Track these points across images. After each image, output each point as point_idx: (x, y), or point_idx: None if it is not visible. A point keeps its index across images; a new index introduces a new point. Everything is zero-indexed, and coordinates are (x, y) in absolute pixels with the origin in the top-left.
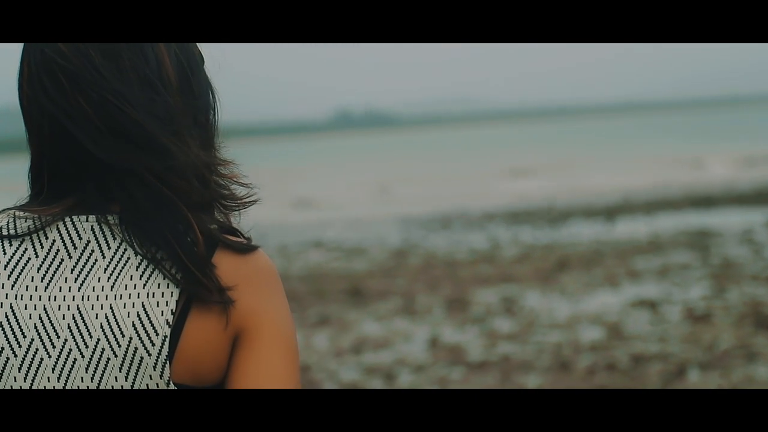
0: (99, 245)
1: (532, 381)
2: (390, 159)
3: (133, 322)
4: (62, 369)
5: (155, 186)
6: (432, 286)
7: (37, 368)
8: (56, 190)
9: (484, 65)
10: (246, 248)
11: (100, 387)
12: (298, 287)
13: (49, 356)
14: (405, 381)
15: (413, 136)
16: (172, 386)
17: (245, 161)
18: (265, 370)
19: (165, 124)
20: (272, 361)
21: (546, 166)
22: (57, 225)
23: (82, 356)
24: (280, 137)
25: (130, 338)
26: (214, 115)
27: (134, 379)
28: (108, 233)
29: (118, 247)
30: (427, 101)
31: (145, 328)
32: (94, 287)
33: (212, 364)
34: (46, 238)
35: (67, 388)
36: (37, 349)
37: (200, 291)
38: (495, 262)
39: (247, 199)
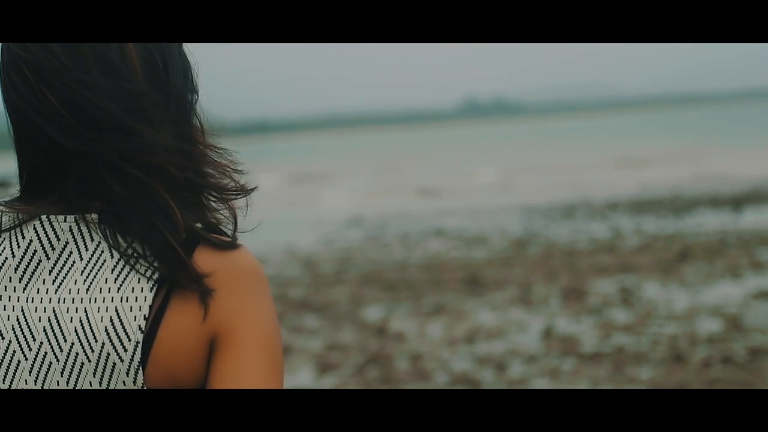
0: (77, 246)
1: (644, 373)
2: (516, 147)
3: (105, 327)
4: (38, 372)
5: (126, 169)
6: (550, 275)
7: (15, 370)
8: (37, 187)
9: (613, 52)
10: (227, 246)
11: None
12: (416, 276)
13: (26, 359)
14: (516, 371)
15: (541, 125)
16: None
17: (373, 150)
18: (242, 376)
19: (129, 107)
20: (250, 366)
21: (673, 154)
22: (34, 224)
23: (57, 360)
24: (409, 126)
25: (103, 344)
26: (193, 103)
27: (108, 384)
28: (86, 233)
29: (96, 248)
30: (556, 89)
31: (117, 334)
32: (70, 290)
33: (187, 370)
34: (23, 237)
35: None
36: (14, 351)
37: (180, 277)
38: (615, 252)
39: (238, 189)
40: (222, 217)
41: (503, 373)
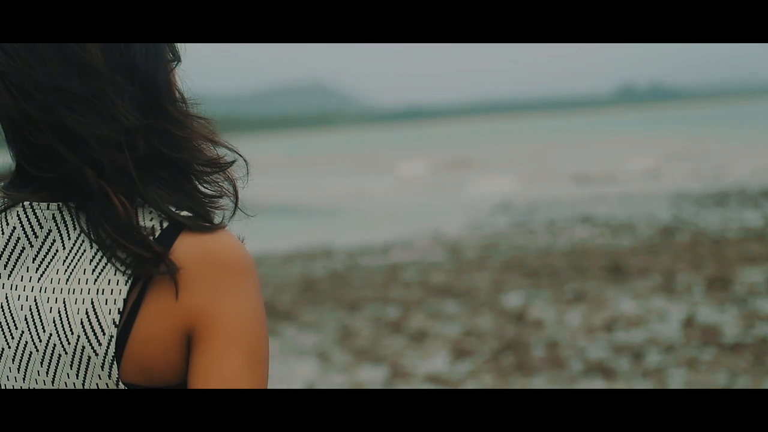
0: (60, 235)
1: None
2: (672, 134)
3: (81, 320)
4: (20, 361)
5: (70, 161)
6: (695, 264)
7: (0, 357)
8: (24, 174)
9: None
10: (208, 235)
11: (54, 382)
12: (559, 263)
13: (9, 347)
14: (653, 361)
15: (700, 110)
16: (121, 386)
17: (526, 136)
18: (216, 374)
19: (76, 103)
20: (228, 363)
21: None
22: (17, 210)
23: (37, 350)
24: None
25: (78, 336)
26: (166, 77)
27: (84, 377)
28: (69, 222)
29: (77, 238)
30: (714, 74)
31: (92, 327)
32: (51, 279)
33: (164, 365)
34: (7, 223)
35: (25, 380)
36: None
37: (145, 270)
38: (766, 241)
39: (222, 161)
40: (218, 201)
41: (640, 362)
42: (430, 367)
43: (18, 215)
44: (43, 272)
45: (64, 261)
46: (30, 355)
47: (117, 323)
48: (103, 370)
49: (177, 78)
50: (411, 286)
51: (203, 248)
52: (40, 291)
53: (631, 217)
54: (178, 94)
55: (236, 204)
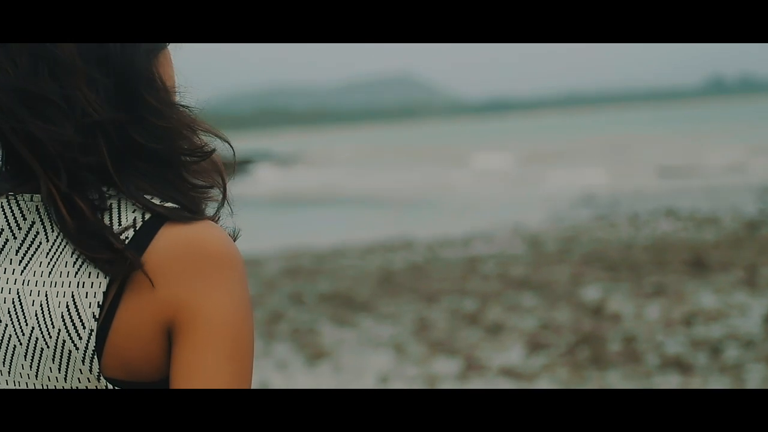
0: (44, 227)
1: None
2: (760, 127)
3: (62, 313)
4: (5, 354)
5: (37, 168)
6: None
7: None
8: (10, 167)
9: None
10: (189, 227)
11: (38, 376)
12: (640, 256)
13: None
14: (731, 356)
15: None
16: (102, 381)
17: (612, 128)
18: (199, 367)
19: (36, 104)
20: (209, 357)
21: None
22: (1, 202)
23: (20, 343)
24: (651, 104)
25: (59, 330)
26: (146, 65)
27: (66, 372)
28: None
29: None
30: None
31: (72, 321)
32: (35, 272)
33: (144, 360)
34: None
35: (11, 373)
36: None
37: (103, 264)
38: None
39: (205, 150)
40: (208, 191)
41: (718, 357)
42: (505, 360)
43: (2, 207)
44: (27, 265)
45: (47, 253)
46: (14, 349)
47: (97, 317)
48: (84, 364)
49: (162, 66)
50: (489, 279)
51: (184, 240)
52: (23, 284)
53: (716, 211)
54: (159, 83)
55: (224, 194)
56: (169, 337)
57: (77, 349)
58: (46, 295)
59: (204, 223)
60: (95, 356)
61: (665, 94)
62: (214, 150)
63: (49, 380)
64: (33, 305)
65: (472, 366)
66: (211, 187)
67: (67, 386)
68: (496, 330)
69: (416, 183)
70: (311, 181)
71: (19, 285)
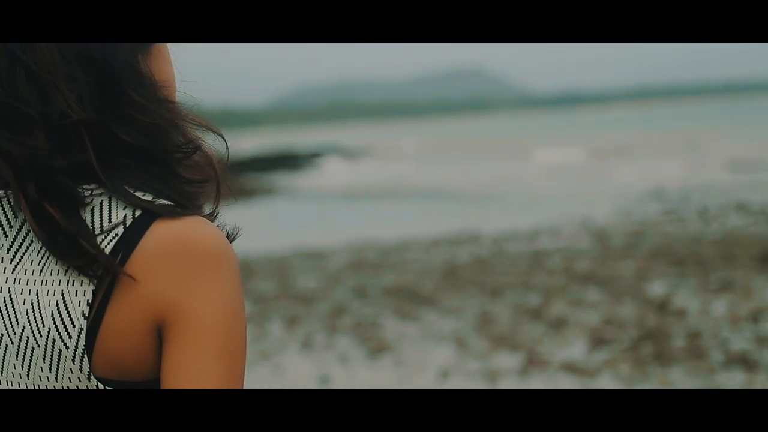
0: None
1: None
2: None
3: (52, 311)
4: None
5: (10, 177)
6: None
7: None
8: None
9: None
10: (180, 219)
11: (30, 375)
12: (708, 251)
13: None
14: None
15: None
16: (93, 380)
17: (687, 121)
18: (189, 367)
19: (19, 99)
20: (199, 356)
21: None
22: None
23: (12, 343)
24: (724, 97)
25: (49, 329)
26: (122, 61)
27: (57, 371)
28: None
29: None
30: None
31: (62, 320)
32: (26, 270)
33: (135, 360)
34: None
35: (4, 373)
36: None
37: (77, 268)
38: None
39: (192, 145)
40: (203, 186)
41: None
42: (567, 355)
43: None
44: (18, 264)
45: (38, 252)
46: (6, 348)
47: (86, 315)
48: (74, 363)
49: (153, 61)
50: (554, 273)
51: (174, 237)
52: (14, 282)
53: None
54: (147, 79)
55: (218, 188)
56: (159, 336)
57: (67, 348)
58: (37, 294)
59: (195, 219)
60: (85, 355)
61: (739, 86)
62: (200, 146)
63: (41, 380)
64: (24, 304)
65: (533, 361)
66: (206, 181)
67: (58, 386)
68: (558, 325)
69: (484, 176)
70: (379, 175)
71: (10, 284)
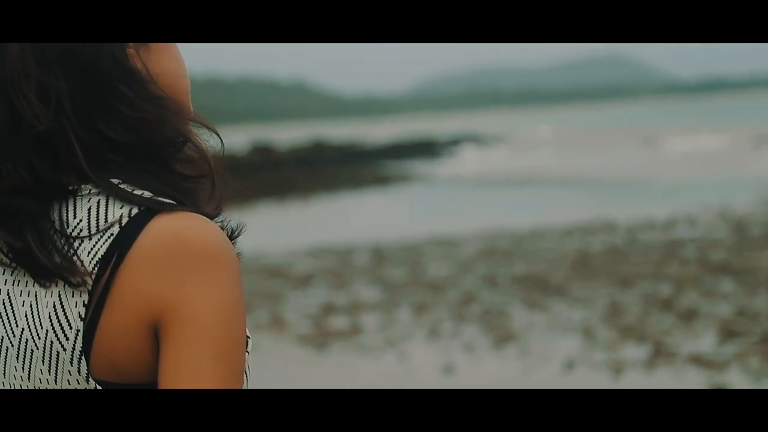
0: None
1: None
2: None
3: (49, 314)
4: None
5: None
6: None
7: None
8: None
9: None
10: (176, 216)
11: (30, 378)
12: None
13: None
14: None
15: None
16: (91, 382)
17: None
18: (186, 367)
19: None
20: (196, 356)
21: None
22: None
23: (12, 345)
24: None
25: (47, 331)
26: (108, 57)
27: (56, 373)
28: None
29: (49, 229)
30: None
31: (59, 322)
32: (24, 272)
33: (132, 361)
34: None
35: (6, 375)
36: None
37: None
38: None
39: (181, 139)
40: (199, 181)
41: None
42: (695, 348)
43: None
44: (17, 266)
45: None
46: (7, 350)
47: (83, 317)
48: (72, 365)
49: (145, 55)
50: (688, 263)
51: (170, 236)
52: (13, 284)
53: None
54: (135, 74)
55: (213, 183)
56: (157, 337)
57: (65, 350)
58: (36, 296)
59: (192, 217)
60: (83, 357)
61: None
62: (189, 139)
63: (40, 382)
64: (23, 306)
65: (660, 353)
66: (202, 176)
67: (57, 388)
68: (689, 316)
69: (621, 164)
70: (515, 162)
71: (9, 286)
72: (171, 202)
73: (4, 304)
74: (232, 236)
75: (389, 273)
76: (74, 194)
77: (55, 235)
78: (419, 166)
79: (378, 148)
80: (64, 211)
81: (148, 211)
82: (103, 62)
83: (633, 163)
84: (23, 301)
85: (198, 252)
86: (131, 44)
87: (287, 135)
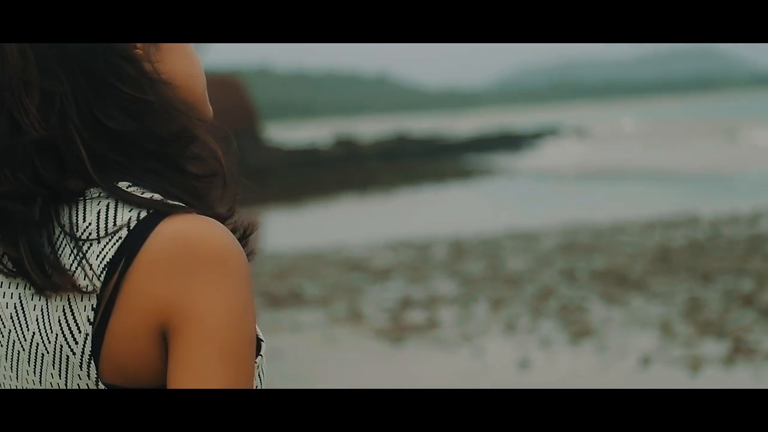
0: None
1: None
2: None
3: (59, 317)
4: (11, 360)
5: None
6: None
7: None
8: None
9: None
10: (185, 218)
11: (41, 382)
12: None
13: (1, 345)
14: None
15: None
16: (101, 385)
17: None
18: (190, 375)
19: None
20: (199, 363)
21: None
22: None
23: (23, 349)
24: None
25: (57, 335)
26: (107, 56)
27: (66, 377)
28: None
29: (59, 233)
30: None
31: (69, 325)
32: None
33: (140, 365)
34: None
35: (18, 379)
36: None
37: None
38: None
39: (183, 136)
40: (210, 180)
41: None
42: None
43: None
44: None
45: None
46: (18, 354)
47: (92, 320)
48: (81, 369)
49: (148, 53)
50: None
51: (178, 238)
52: (25, 288)
53: None
54: (138, 70)
55: (224, 183)
56: (164, 340)
57: (74, 353)
58: (46, 300)
59: (201, 219)
60: (92, 361)
61: None
62: (195, 137)
63: (51, 385)
64: (34, 310)
65: (739, 349)
66: (212, 175)
67: None
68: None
69: (706, 157)
70: (598, 155)
71: (21, 290)
72: (180, 204)
73: (15, 308)
74: (245, 236)
75: (467, 267)
76: (84, 198)
77: (63, 240)
78: (502, 160)
79: (461, 142)
80: (74, 214)
81: (156, 214)
82: (105, 61)
83: (717, 156)
84: (35, 305)
85: (206, 255)
86: (140, 44)
87: (370, 128)
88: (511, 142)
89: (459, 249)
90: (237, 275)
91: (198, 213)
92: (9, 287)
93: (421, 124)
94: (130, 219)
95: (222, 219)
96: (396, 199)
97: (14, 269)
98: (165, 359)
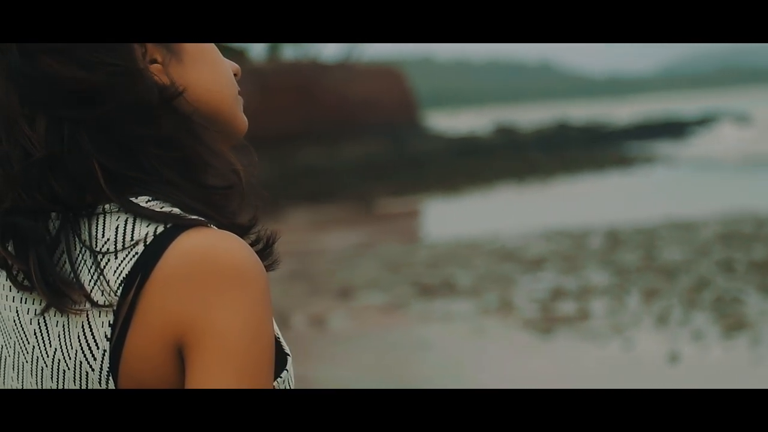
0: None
1: None
2: None
3: (78, 333)
4: (36, 375)
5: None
6: None
7: (21, 371)
8: None
9: None
10: (202, 231)
11: None
12: None
13: (27, 361)
14: None
15: None
16: None
17: None
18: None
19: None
20: (216, 382)
21: None
22: None
23: (46, 365)
24: None
25: (76, 351)
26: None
27: None
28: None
29: (80, 248)
30: None
31: (87, 342)
32: None
33: (156, 380)
34: None
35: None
36: (18, 353)
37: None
38: None
39: (184, 143)
40: (228, 192)
41: None
42: None
43: None
44: None
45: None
46: (42, 371)
47: (109, 337)
48: (100, 385)
49: (167, 66)
50: None
51: (195, 254)
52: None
53: None
54: (158, 86)
55: (241, 194)
56: (180, 357)
57: (93, 370)
58: (67, 316)
59: (219, 234)
60: (110, 377)
61: None
62: (212, 150)
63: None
64: (57, 326)
65: None
66: (230, 187)
67: None
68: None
69: None
70: (764, 142)
71: (44, 305)
72: (198, 218)
73: (39, 324)
74: (268, 245)
75: (622, 257)
76: (104, 212)
77: (82, 256)
78: (664, 147)
79: (623, 129)
80: (93, 229)
81: (173, 229)
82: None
83: None
84: (57, 321)
85: (222, 269)
86: (159, 57)
87: (531, 116)
88: (674, 128)
89: (614, 238)
90: (254, 289)
91: (217, 225)
92: (33, 303)
93: (582, 112)
94: (147, 234)
95: (244, 229)
96: (554, 188)
97: (29, 284)
98: (182, 375)
